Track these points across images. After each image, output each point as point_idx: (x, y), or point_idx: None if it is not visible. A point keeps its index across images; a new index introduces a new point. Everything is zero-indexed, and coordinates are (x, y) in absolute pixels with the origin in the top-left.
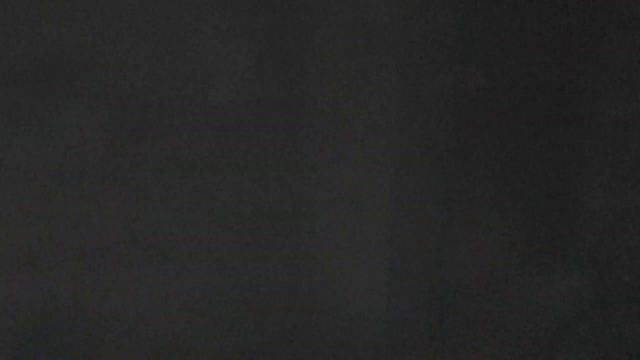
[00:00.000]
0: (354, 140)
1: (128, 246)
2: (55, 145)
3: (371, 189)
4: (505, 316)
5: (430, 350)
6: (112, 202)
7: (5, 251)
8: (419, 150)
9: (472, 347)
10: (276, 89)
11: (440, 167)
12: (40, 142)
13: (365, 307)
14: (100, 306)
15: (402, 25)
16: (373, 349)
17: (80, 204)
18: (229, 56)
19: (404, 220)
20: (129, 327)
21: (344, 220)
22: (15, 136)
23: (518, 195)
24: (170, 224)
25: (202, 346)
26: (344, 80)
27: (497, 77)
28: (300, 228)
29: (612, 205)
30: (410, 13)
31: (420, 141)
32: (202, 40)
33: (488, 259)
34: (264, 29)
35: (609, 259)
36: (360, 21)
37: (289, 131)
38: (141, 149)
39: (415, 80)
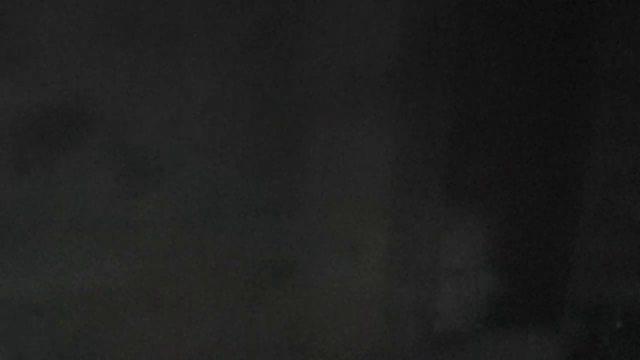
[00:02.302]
0: (349, 182)
1: (131, 297)
2: (61, 197)
3: (367, 235)
4: None
5: None
6: (117, 252)
7: (10, 301)
8: (414, 194)
9: None
10: (274, 134)
11: (433, 209)
12: (45, 194)
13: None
14: (104, 355)
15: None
16: None
17: (85, 254)
18: (229, 103)
19: (399, 266)
20: None
21: (340, 265)
22: (20, 188)
23: (511, 241)
24: (173, 276)
25: None
26: (340, 121)
27: (496, 121)
28: (298, 273)
29: (605, 251)
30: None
31: (415, 185)
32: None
33: (481, 305)
34: (263, 80)
35: (601, 306)
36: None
37: (286, 180)
38: (146, 201)
39: (412, 119)
